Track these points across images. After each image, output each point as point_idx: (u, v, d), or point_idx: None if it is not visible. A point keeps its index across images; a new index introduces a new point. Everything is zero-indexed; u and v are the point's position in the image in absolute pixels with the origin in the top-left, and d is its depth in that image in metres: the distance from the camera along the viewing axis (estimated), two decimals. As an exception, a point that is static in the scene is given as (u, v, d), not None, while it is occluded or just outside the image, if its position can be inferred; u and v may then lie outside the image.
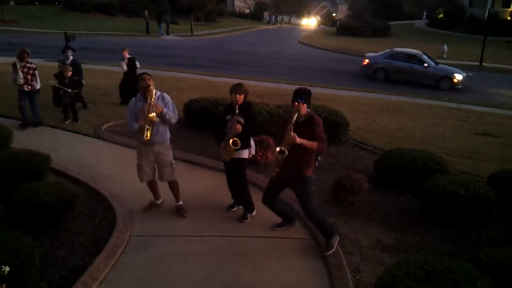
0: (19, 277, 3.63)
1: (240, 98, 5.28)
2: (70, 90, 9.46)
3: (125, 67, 11.40)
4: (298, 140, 4.58)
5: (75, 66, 10.46)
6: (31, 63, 8.84)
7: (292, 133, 4.58)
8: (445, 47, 28.54)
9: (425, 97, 15.76)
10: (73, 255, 4.67)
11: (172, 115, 5.38)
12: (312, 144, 4.66)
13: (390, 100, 14.86)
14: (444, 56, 28.03)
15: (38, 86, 8.99)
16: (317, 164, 4.99)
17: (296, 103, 4.68)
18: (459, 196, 5.46)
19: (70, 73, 9.60)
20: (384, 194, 6.54)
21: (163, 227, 5.37)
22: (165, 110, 5.27)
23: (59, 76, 9.75)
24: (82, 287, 4.07)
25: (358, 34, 40.89)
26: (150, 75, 5.34)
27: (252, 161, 5.69)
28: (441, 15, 48.00)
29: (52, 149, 7.38)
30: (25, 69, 8.69)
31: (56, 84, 9.58)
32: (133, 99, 5.46)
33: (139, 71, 9.86)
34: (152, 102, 5.13)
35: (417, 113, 12.90)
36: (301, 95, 4.71)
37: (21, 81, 8.61)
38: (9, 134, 7.18)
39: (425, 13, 54.71)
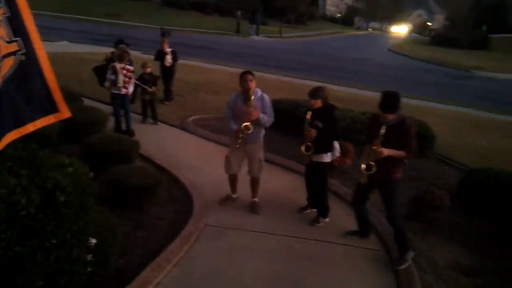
0: (103, 250, 3.90)
1: (316, 103, 5.24)
2: (150, 88, 9.04)
3: (170, 60, 10.74)
4: (386, 153, 4.48)
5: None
6: (130, 64, 8.27)
7: (379, 149, 4.49)
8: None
9: (523, 116, 14.63)
10: (151, 238, 4.93)
11: (267, 119, 5.48)
12: (400, 155, 4.55)
13: (483, 117, 13.99)
14: (550, 74, 25.80)
15: (131, 90, 8.42)
16: (404, 165, 4.82)
17: (389, 115, 4.51)
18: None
19: (149, 69, 9.25)
20: (467, 214, 6.18)
21: (236, 220, 5.52)
22: (260, 115, 5.38)
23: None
24: (157, 267, 4.30)
25: (453, 45, 38.92)
26: (253, 75, 5.41)
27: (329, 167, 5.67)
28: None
29: (140, 136, 7.87)
30: (124, 71, 8.02)
31: (136, 81, 8.80)
32: (233, 95, 5.64)
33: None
34: (251, 104, 5.27)
35: (512, 132, 12.02)
36: (387, 104, 4.51)
37: (121, 84, 8.00)
38: (105, 118, 7.76)
39: None
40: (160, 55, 10.78)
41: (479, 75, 25.45)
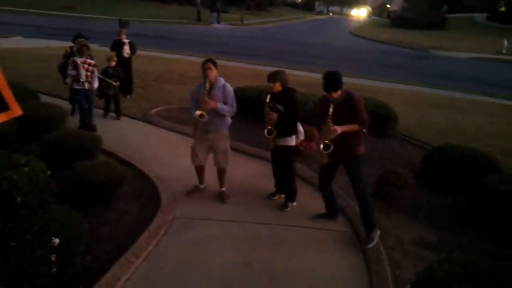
0: (67, 250, 3.79)
1: (275, 86, 5.27)
2: (114, 83, 8.76)
3: (128, 51, 10.48)
4: (340, 130, 4.56)
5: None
6: (91, 58, 7.99)
7: (333, 127, 4.55)
8: (505, 42, 27.11)
9: (481, 94, 15.09)
10: (118, 233, 4.84)
11: (227, 109, 5.40)
12: (353, 128, 4.65)
13: (443, 96, 14.36)
14: (504, 51, 26.70)
15: (96, 85, 8.07)
16: (365, 136, 4.94)
17: (334, 94, 4.64)
18: (511, 197, 5.21)
19: (114, 63, 8.99)
20: (430, 192, 6.36)
21: (204, 211, 5.48)
22: (219, 105, 5.30)
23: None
24: (125, 263, 4.22)
25: (412, 26, 39.69)
26: (214, 63, 5.32)
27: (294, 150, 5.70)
28: (503, 8, 45.59)
29: (102, 131, 7.68)
30: (85, 65, 7.75)
31: (99, 75, 8.41)
32: (197, 85, 5.55)
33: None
34: (206, 93, 5.20)
35: (471, 110, 12.40)
36: (332, 84, 4.63)
37: (84, 79, 7.73)
38: (64, 114, 7.52)
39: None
40: (117, 45, 10.47)
41: (437, 54, 26.11)
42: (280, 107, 5.26)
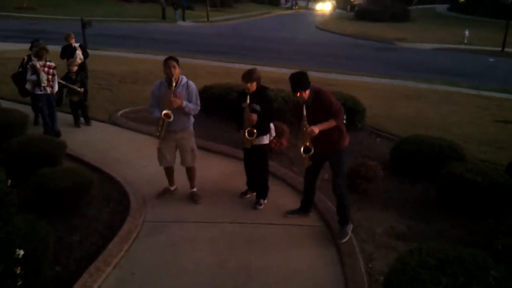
0: (33, 260, 3.68)
1: (252, 86, 5.19)
2: (79, 89, 8.43)
3: (81, 56, 9.65)
4: (317, 130, 4.53)
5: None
6: (50, 61, 7.68)
7: (309, 129, 4.54)
8: (466, 32, 27.84)
9: (445, 83, 15.45)
10: (87, 240, 4.73)
11: (192, 107, 5.32)
12: (330, 124, 4.62)
13: (408, 87, 14.62)
14: (465, 41, 27.42)
15: (56, 89, 7.90)
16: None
17: (299, 94, 4.58)
18: (476, 184, 5.35)
19: (76, 68, 8.56)
20: (400, 182, 6.46)
21: (176, 213, 5.40)
22: (184, 103, 5.22)
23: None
24: (95, 271, 4.11)
25: (376, 19, 40.25)
26: (176, 61, 5.20)
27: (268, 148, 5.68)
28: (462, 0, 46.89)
29: (67, 135, 7.48)
30: (45, 69, 7.52)
31: (61, 81, 8.28)
32: (158, 82, 5.43)
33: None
34: (172, 91, 5.11)
35: (436, 99, 12.66)
36: (300, 84, 4.57)
37: (45, 83, 7.51)
38: (25, 119, 7.27)
39: None
40: (68, 52, 9.56)
41: (402, 46, 26.54)
42: (256, 107, 5.21)
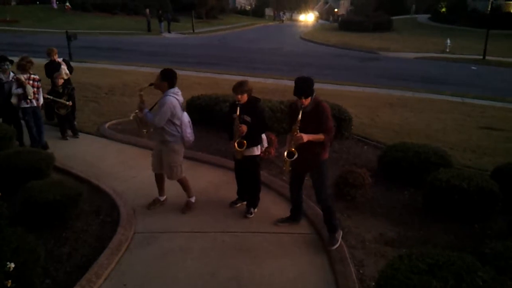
0: (23, 273, 3.64)
1: (243, 97, 5.23)
2: (67, 102, 8.39)
3: (66, 71, 9.09)
4: (305, 138, 4.57)
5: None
6: (35, 74, 7.60)
7: (298, 134, 4.58)
8: (448, 41, 28.39)
9: (429, 92, 15.71)
10: (77, 252, 4.69)
11: (150, 119, 5.28)
12: (319, 138, 4.66)
13: (393, 95, 14.83)
14: (447, 50, 27.93)
15: (42, 101, 7.80)
16: (330, 145, 5.02)
17: (303, 100, 4.61)
18: (462, 189, 5.44)
19: (62, 81, 8.49)
20: (387, 189, 6.54)
21: (166, 223, 5.39)
22: (144, 111, 5.31)
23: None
24: (86, 284, 4.08)
25: (359, 29, 40.85)
26: (161, 73, 5.33)
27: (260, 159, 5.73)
28: (443, 9, 47.82)
29: (55, 148, 7.42)
30: (31, 81, 7.42)
31: (49, 96, 8.26)
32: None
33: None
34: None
35: (421, 107, 12.87)
36: (302, 90, 4.59)
37: (32, 96, 7.39)
38: (12, 134, 7.19)
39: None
40: (53, 68, 8.97)
41: (385, 56, 26.91)
42: (247, 118, 5.24)
